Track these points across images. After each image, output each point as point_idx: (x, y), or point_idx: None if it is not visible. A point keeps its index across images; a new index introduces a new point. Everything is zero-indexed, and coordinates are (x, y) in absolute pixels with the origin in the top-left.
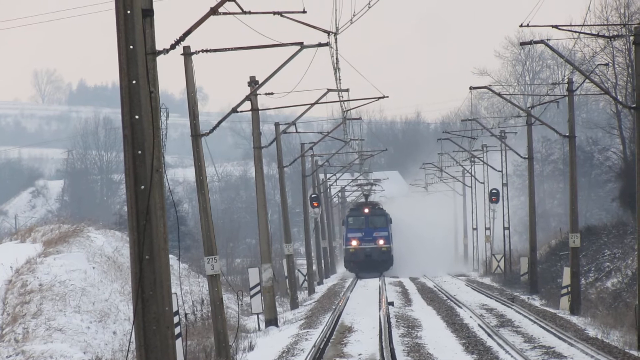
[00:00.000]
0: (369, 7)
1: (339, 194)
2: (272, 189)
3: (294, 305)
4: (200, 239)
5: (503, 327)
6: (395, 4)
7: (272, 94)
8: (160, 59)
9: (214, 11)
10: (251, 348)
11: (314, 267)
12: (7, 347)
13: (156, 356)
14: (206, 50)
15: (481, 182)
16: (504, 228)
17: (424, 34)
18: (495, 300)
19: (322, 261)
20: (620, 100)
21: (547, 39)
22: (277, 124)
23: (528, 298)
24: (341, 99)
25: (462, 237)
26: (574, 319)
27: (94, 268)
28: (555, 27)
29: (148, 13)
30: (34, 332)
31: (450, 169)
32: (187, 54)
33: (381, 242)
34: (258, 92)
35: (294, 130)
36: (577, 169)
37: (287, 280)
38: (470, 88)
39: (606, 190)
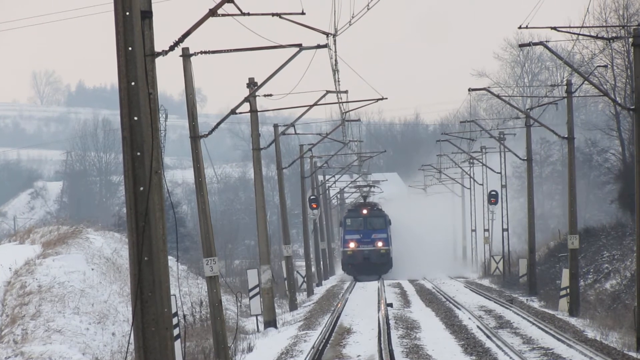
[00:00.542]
0: (368, 9)
1: (338, 196)
2: (271, 190)
3: (293, 306)
4: (199, 241)
5: (502, 328)
6: (394, 5)
7: (270, 95)
8: (159, 61)
9: (212, 13)
10: (250, 349)
11: (313, 269)
12: (6, 349)
13: (155, 357)
14: (205, 52)
15: (480, 184)
16: (503, 229)
17: (423, 35)
18: (494, 302)
19: (321, 263)
20: (619, 102)
21: (546, 41)
22: (276, 126)
23: (527, 299)
24: (340, 101)
25: (461, 238)
26: (573, 321)
27: (92, 269)
28: (554, 28)
29: (147, 14)
30: (33, 333)
31: (449, 170)
32: (186, 55)
33: (380, 244)
34: (257, 93)
35: (293, 132)
36: (575, 170)
37: (286, 281)
38: (469, 90)
39: (605, 191)
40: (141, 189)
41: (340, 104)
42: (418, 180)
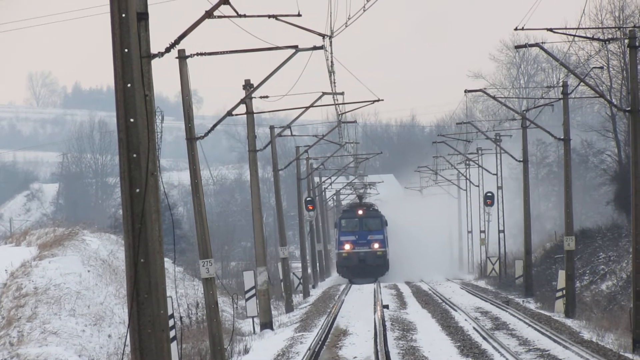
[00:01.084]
0: (364, 10)
1: (334, 197)
2: (267, 192)
3: (289, 308)
4: (196, 242)
5: (498, 330)
6: (390, 7)
7: (267, 97)
8: (155, 62)
9: (209, 14)
10: (246, 351)
11: (309, 271)
12: (2, 351)
13: (151, 359)
14: (201, 54)
15: (476, 185)
16: (499, 231)
17: (419, 37)
18: (490, 303)
19: (317, 264)
20: (615, 103)
21: (542, 42)
22: (272, 127)
23: (523, 301)
24: (336, 102)
25: (457, 240)
26: (569, 322)
27: (89, 271)
28: (550, 30)
29: (143, 16)
30: (29, 335)
31: (446, 172)
32: (182, 57)
33: (376, 245)
34: (253, 95)
35: (289, 134)
36: (572, 172)
37: (282, 283)
38: (465, 91)
39: (601, 193)
40: (137, 190)
41: (337, 106)
42: (414, 182)
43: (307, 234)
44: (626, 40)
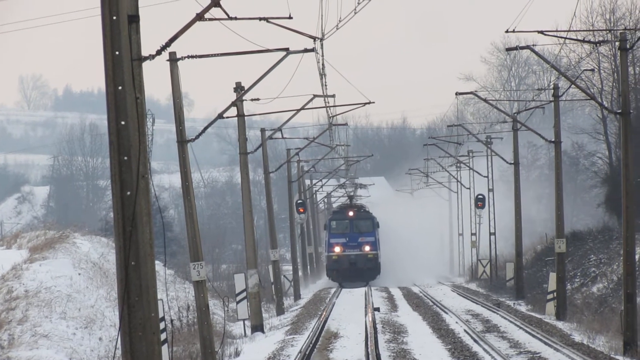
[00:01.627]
0: (355, 13)
1: (325, 200)
2: (258, 194)
3: (280, 311)
4: (186, 245)
5: (489, 332)
6: (381, 9)
7: (258, 99)
8: (146, 65)
9: (199, 17)
10: (237, 354)
11: (300, 273)
12: None
13: None
14: (192, 56)
15: (467, 188)
16: (490, 233)
17: (410, 39)
18: (481, 306)
19: (308, 267)
20: (606, 105)
21: (533, 45)
22: (263, 130)
23: (514, 303)
24: (327, 105)
25: (448, 242)
26: (560, 325)
27: (79, 274)
28: (541, 32)
29: (134, 19)
30: (20, 338)
31: (436, 174)
32: (173, 59)
33: (367, 248)
34: (244, 97)
35: (280, 136)
36: (562, 174)
37: (273, 286)
38: (456, 94)
39: (592, 195)
40: (128, 193)
41: (328, 108)
42: (405, 184)
43: (298, 237)
44: (617, 43)
